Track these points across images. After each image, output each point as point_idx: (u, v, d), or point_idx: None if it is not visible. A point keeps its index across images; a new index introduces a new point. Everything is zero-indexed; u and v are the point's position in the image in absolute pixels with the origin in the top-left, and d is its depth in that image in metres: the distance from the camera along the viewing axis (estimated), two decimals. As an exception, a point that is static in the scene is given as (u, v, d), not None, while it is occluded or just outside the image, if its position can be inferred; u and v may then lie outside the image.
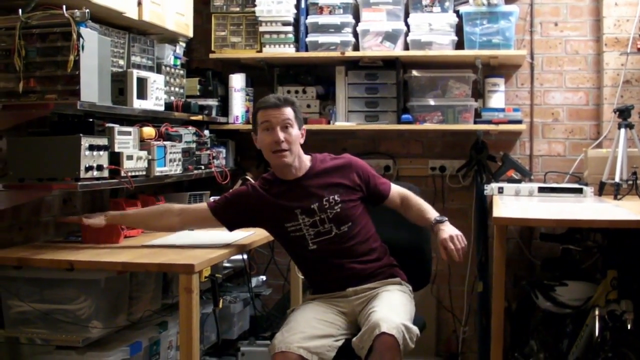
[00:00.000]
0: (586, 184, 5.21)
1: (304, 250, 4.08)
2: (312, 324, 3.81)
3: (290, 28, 5.69)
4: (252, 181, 4.62)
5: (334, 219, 4.02)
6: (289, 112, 4.05)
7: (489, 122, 5.57)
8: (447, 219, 4.05)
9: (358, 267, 4.04)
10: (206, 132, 5.28)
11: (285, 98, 4.13)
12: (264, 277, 5.95)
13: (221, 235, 4.27)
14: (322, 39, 5.65)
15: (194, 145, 5.00)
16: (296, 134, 4.07)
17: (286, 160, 4.03)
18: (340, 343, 3.81)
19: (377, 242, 4.18)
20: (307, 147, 5.91)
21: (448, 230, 3.96)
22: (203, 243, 4.15)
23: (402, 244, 4.38)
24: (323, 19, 5.67)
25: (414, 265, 4.37)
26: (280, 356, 3.64)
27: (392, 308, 3.76)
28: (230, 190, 4.35)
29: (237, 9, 5.82)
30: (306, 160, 4.18)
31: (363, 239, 4.09)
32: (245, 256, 5.15)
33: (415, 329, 3.64)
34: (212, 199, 4.43)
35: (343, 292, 4.03)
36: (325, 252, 4.04)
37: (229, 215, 4.15)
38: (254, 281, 5.73)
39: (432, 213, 4.14)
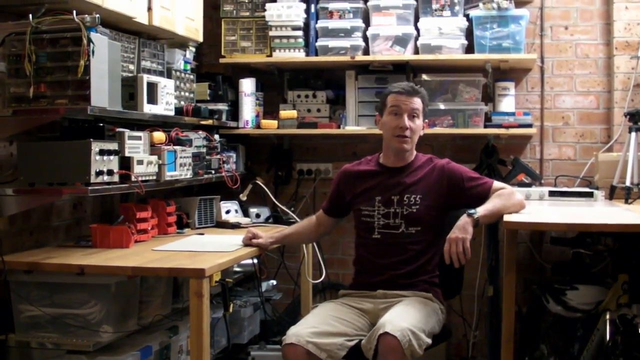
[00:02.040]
0: (597, 188, 5.20)
1: (368, 235, 4.26)
2: (328, 321, 3.89)
3: (300, 32, 5.70)
4: (263, 186, 4.65)
5: (407, 218, 4.18)
6: (418, 102, 4.25)
7: (499, 126, 5.56)
8: (476, 213, 4.04)
9: (404, 272, 4.15)
10: (216, 137, 5.28)
11: (417, 88, 4.30)
12: (274, 282, 5.95)
13: (231, 239, 4.28)
14: (332, 43, 5.66)
15: (204, 150, 5.01)
16: (420, 124, 4.29)
17: (405, 147, 4.24)
18: (353, 343, 3.83)
19: (435, 258, 4.24)
20: (317, 151, 5.94)
21: (456, 231, 3.98)
22: (213, 248, 4.15)
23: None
24: (333, 24, 5.67)
25: (446, 272, 4.35)
26: (289, 348, 3.74)
27: (404, 313, 3.79)
28: (332, 184, 4.59)
29: (247, 14, 5.83)
30: (414, 154, 4.38)
31: (424, 247, 4.20)
32: (255, 260, 5.17)
33: (424, 337, 3.67)
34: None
35: (373, 292, 4.15)
36: (386, 245, 4.20)
37: (337, 209, 4.51)
38: (264, 285, 5.73)
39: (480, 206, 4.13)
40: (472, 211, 4.03)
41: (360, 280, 4.31)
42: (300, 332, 3.76)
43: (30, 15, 3.66)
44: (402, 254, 4.17)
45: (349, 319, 3.97)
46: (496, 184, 4.28)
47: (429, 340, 3.74)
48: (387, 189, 4.25)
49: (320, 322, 3.87)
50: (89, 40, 3.62)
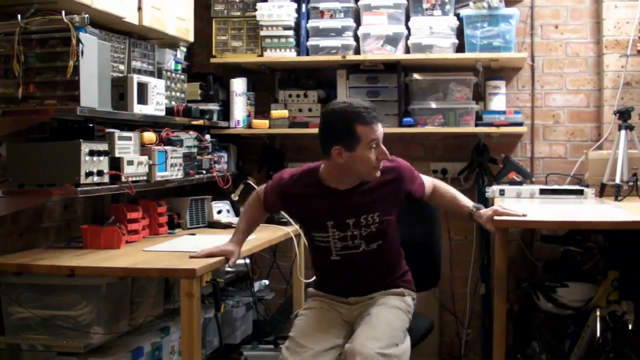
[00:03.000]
0: (587, 186, 5.20)
1: (325, 257, 3.97)
2: (321, 336, 3.77)
3: (291, 32, 5.70)
4: (255, 186, 4.62)
5: (366, 237, 3.88)
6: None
7: (490, 124, 5.57)
8: (482, 206, 4.10)
9: (372, 280, 4.00)
10: (207, 137, 5.28)
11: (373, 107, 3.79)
12: (266, 281, 5.95)
13: (223, 240, 4.28)
14: (323, 42, 5.66)
15: (195, 150, 5.01)
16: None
17: (376, 177, 3.82)
18: (340, 351, 3.76)
19: (399, 255, 4.13)
20: (309, 150, 5.94)
21: (490, 208, 4.05)
22: (204, 248, 4.15)
23: (413, 243, 4.34)
24: (324, 23, 5.67)
25: (423, 264, 4.39)
26: None
27: (376, 330, 3.69)
28: (272, 181, 4.11)
29: (238, 14, 5.83)
30: None
31: (388, 255, 4.03)
32: (247, 260, 5.17)
33: (397, 351, 3.63)
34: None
35: (344, 299, 3.99)
36: (347, 263, 3.93)
37: (274, 209, 4.24)
38: (257, 285, 5.73)
39: (468, 201, 4.14)
40: (477, 205, 4.13)
41: (328, 286, 4.07)
42: (302, 355, 3.65)
43: (19, 16, 3.66)
44: (366, 269, 3.96)
45: (336, 327, 3.87)
46: (427, 181, 4.14)
47: (405, 345, 3.75)
48: (339, 213, 3.86)
49: (315, 341, 3.72)
50: (78, 41, 3.62)
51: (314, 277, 4.20)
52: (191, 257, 3.83)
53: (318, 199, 3.89)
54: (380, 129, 3.73)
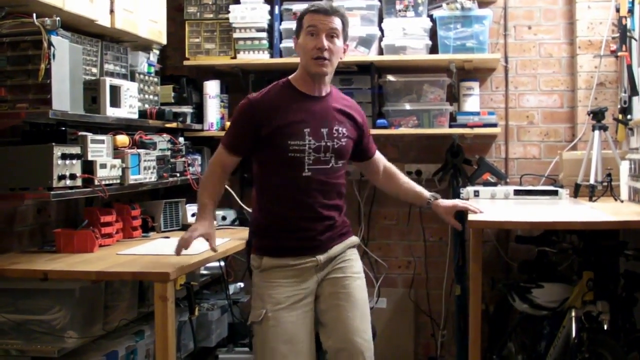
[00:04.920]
0: (561, 186, 5.22)
1: (296, 175, 3.78)
2: (307, 341, 3.73)
3: (264, 34, 5.69)
4: (229, 188, 4.59)
5: (337, 151, 3.83)
6: (337, 22, 3.81)
7: (464, 125, 5.57)
8: (440, 196, 4.16)
9: (334, 216, 3.87)
10: (181, 140, 5.27)
11: (336, 7, 3.84)
12: (241, 284, 5.93)
13: (197, 243, 4.26)
14: (296, 44, 5.64)
15: (168, 153, 4.99)
16: (340, 46, 3.84)
17: (324, 70, 3.80)
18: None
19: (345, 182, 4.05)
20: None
21: (449, 200, 4.12)
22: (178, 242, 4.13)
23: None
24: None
25: None
26: None
27: (364, 316, 3.83)
28: (236, 112, 3.90)
29: (211, 16, 5.81)
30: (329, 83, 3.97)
31: (342, 181, 3.96)
32: (222, 263, 5.15)
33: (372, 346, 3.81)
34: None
35: (312, 260, 3.80)
36: (314, 182, 3.79)
37: (246, 146, 3.86)
38: (232, 288, 5.71)
39: (425, 191, 4.19)
40: (435, 194, 4.20)
41: (284, 244, 3.82)
42: None
43: (-10, 19, 3.64)
44: (330, 191, 3.86)
45: (311, 327, 3.78)
46: (379, 154, 4.23)
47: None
48: (315, 120, 3.82)
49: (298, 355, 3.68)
50: (50, 44, 3.60)
51: (265, 238, 3.90)
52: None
53: (293, 103, 3.83)
54: (327, 21, 3.77)
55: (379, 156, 4.23)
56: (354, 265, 3.95)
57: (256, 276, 3.88)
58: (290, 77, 3.94)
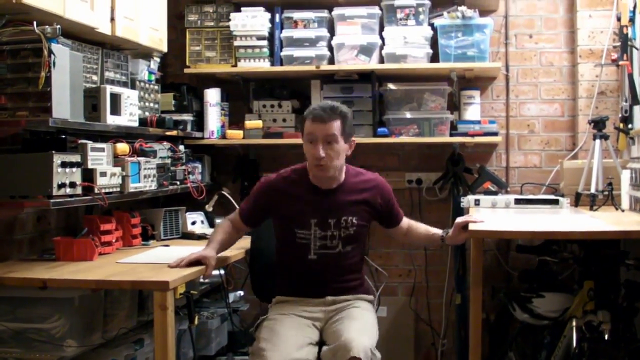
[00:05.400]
0: (562, 195, 5.21)
1: (302, 256, 4.15)
2: (294, 336, 3.88)
3: (265, 42, 5.68)
4: (229, 196, 4.61)
5: (344, 239, 4.15)
6: (335, 126, 4.02)
7: (465, 134, 5.57)
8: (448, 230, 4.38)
9: (345, 281, 4.22)
10: (181, 148, 5.26)
11: (334, 109, 4.06)
12: (241, 292, 5.92)
13: (198, 251, 4.26)
14: (297, 52, 5.65)
15: (169, 161, 4.98)
16: (339, 148, 4.06)
17: (326, 174, 4.09)
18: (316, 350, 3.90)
19: (362, 258, 4.38)
20: (284, 161, 5.93)
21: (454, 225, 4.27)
22: (181, 257, 4.13)
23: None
24: (298, 33, 5.66)
25: None
26: None
27: (364, 329, 3.91)
28: (254, 189, 4.33)
29: (212, 24, 5.81)
30: (344, 173, 4.23)
31: (358, 258, 4.30)
32: (222, 271, 5.13)
33: (378, 354, 3.81)
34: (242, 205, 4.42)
35: (322, 300, 4.15)
36: (322, 264, 4.15)
37: (256, 220, 4.33)
38: (232, 296, 5.70)
39: (437, 230, 4.44)
40: (445, 230, 4.37)
41: (300, 288, 4.22)
42: (278, 354, 3.73)
43: (-10, 27, 3.63)
44: (340, 269, 4.21)
45: (308, 333, 3.98)
46: (406, 219, 4.49)
47: (380, 357, 3.85)
48: (323, 212, 4.14)
49: (288, 339, 3.84)
50: (50, 52, 3.59)
51: (284, 282, 4.32)
52: (170, 266, 3.90)
53: (304, 195, 4.15)
54: (324, 129, 4.00)
55: (404, 222, 4.47)
56: (361, 306, 4.18)
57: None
58: (307, 166, 4.20)
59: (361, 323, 3.97)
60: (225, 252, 4.32)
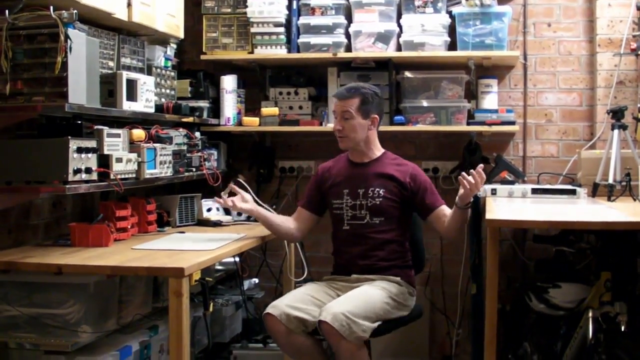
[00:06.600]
0: (579, 185, 5.18)
1: (339, 228, 4.62)
2: (304, 298, 4.31)
3: (282, 29, 5.66)
4: (245, 184, 4.65)
5: (371, 209, 4.52)
6: (350, 103, 4.50)
7: (482, 123, 5.54)
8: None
9: (373, 258, 4.51)
10: (197, 134, 5.25)
11: (354, 88, 4.59)
12: (256, 280, 5.93)
13: (213, 237, 4.25)
14: (314, 40, 5.63)
15: (184, 148, 4.97)
16: (354, 123, 4.52)
17: (342, 145, 4.61)
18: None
19: (402, 248, 4.63)
20: (299, 148, 5.92)
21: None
22: (194, 246, 4.12)
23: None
24: (315, 20, 5.64)
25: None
26: (267, 316, 4.19)
27: (347, 300, 4.17)
28: (309, 182, 4.89)
29: (229, 10, 5.79)
30: (378, 151, 4.70)
31: (390, 238, 4.54)
32: (237, 259, 5.14)
33: (364, 323, 4.02)
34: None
35: (347, 277, 4.53)
36: (355, 235, 4.55)
37: (314, 204, 4.75)
38: (247, 284, 5.70)
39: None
40: None
41: (338, 268, 4.65)
42: (278, 304, 4.20)
43: (7, 11, 3.60)
44: (370, 243, 4.52)
45: (323, 299, 4.31)
46: (445, 206, 4.57)
47: (373, 325, 4.08)
48: (354, 183, 4.58)
49: (296, 299, 4.27)
50: (67, 37, 3.58)
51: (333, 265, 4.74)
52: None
53: (342, 170, 4.69)
54: (341, 105, 4.53)
55: (443, 208, 4.56)
56: (375, 284, 4.40)
57: None
58: None
59: (355, 294, 4.25)
60: (241, 241, 4.39)
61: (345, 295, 4.27)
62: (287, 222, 4.67)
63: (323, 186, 4.71)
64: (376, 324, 4.11)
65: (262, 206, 4.62)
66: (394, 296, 4.34)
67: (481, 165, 4.24)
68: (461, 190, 4.26)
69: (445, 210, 4.51)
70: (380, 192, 4.52)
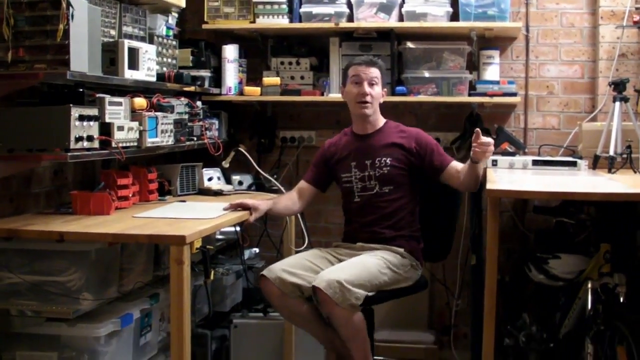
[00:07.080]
0: (580, 157, 5.19)
1: (350, 201, 4.70)
2: (301, 263, 4.41)
3: (284, -2, 5.65)
4: (246, 153, 4.67)
5: (380, 178, 4.60)
6: (376, 71, 4.64)
7: (484, 94, 5.54)
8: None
9: (381, 227, 4.57)
10: (199, 104, 5.24)
11: (374, 60, 4.71)
12: (257, 249, 5.94)
13: (213, 207, 4.25)
14: (316, 9, 5.62)
15: (186, 117, 4.96)
16: (379, 91, 4.67)
17: (367, 112, 4.65)
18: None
19: (412, 218, 4.69)
20: (301, 118, 5.91)
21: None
22: (195, 215, 4.13)
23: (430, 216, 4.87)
24: (317, -10, 5.63)
25: (435, 237, 4.89)
26: (262, 279, 4.35)
27: (342, 268, 4.25)
28: (315, 157, 4.92)
29: (231, -21, 5.77)
30: (381, 121, 4.77)
31: (399, 206, 4.61)
32: (238, 228, 5.14)
33: (356, 290, 4.07)
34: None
35: (353, 245, 4.62)
36: (366, 205, 4.62)
37: (319, 179, 4.84)
38: (247, 253, 5.72)
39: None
40: None
41: (346, 236, 4.74)
42: (273, 268, 4.34)
43: (9, -21, 3.61)
44: (381, 212, 4.58)
45: (321, 265, 4.39)
46: (455, 162, 4.65)
47: (365, 293, 4.12)
48: (360, 155, 4.66)
49: (293, 264, 4.38)
50: (68, 4, 3.57)
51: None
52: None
53: (348, 144, 4.76)
54: (368, 71, 4.62)
55: (454, 166, 4.63)
56: (376, 254, 4.44)
57: None
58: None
59: (352, 262, 4.33)
60: (240, 211, 4.39)
61: (342, 263, 4.35)
62: (291, 206, 4.79)
63: (330, 161, 4.78)
64: (370, 293, 4.18)
65: (264, 175, 4.66)
66: (393, 267, 4.36)
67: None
68: (475, 148, 4.28)
69: (458, 166, 4.58)
70: (387, 161, 4.59)
